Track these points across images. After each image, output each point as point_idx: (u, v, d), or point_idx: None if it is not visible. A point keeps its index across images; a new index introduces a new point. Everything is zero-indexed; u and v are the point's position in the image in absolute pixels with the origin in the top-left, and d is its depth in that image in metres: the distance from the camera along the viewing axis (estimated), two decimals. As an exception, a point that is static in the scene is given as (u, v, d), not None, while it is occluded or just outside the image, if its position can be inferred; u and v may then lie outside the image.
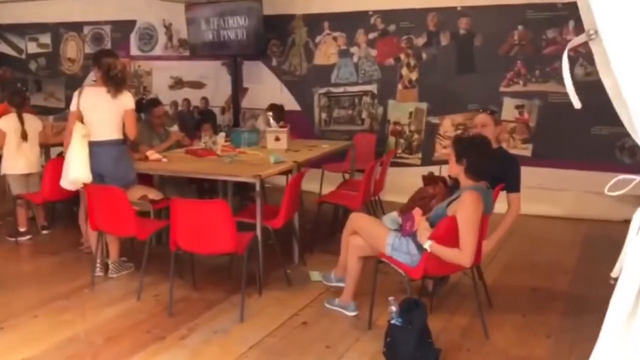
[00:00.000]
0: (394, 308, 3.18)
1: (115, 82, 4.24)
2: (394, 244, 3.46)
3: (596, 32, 1.67)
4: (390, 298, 3.24)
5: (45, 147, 5.80)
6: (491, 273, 4.47)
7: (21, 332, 3.62)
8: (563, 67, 1.73)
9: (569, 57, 1.82)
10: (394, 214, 3.80)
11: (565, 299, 4.17)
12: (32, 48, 9.35)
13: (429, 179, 4.05)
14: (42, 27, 9.18)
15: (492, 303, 3.99)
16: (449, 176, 4.25)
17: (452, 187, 4.01)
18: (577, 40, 1.81)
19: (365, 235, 3.63)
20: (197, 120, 7.52)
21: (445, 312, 3.89)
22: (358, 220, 3.75)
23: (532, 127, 6.34)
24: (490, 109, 4.45)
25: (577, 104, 1.82)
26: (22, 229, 5.49)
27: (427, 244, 3.21)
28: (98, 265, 4.52)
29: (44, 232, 5.54)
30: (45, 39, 9.19)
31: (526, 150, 6.35)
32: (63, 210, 5.94)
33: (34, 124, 5.43)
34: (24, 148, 5.28)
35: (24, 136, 5.27)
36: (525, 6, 6.15)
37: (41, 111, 6.93)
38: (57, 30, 9.09)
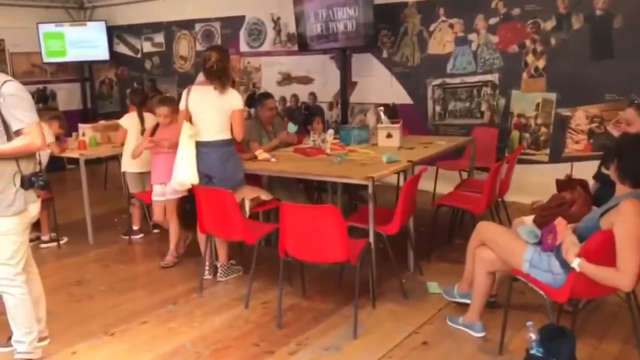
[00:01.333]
0: (533, 336, 2.72)
1: (215, 76, 4.06)
2: (532, 260, 2.99)
3: None
4: (529, 323, 2.78)
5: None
6: (638, 289, 3.83)
7: (130, 340, 3.54)
8: None
9: None
10: (531, 222, 3.31)
11: None
12: (147, 47, 9.59)
13: (565, 184, 3.50)
14: (156, 27, 9.39)
15: (646, 327, 3.40)
16: (595, 177, 3.71)
17: (597, 192, 3.47)
18: None
19: (497, 248, 3.17)
20: (304, 116, 7.32)
21: (591, 336, 3.34)
22: (488, 230, 3.30)
23: (685, 119, 5.49)
24: (638, 102, 3.78)
25: None
26: (135, 227, 5.55)
27: (576, 262, 2.71)
28: (207, 268, 4.40)
29: (155, 231, 5.53)
30: (159, 38, 9.40)
31: (676, 146, 5.50)
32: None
33: (152, 122, 5.44)
34: None
35: (143, 133, 5.29)
36: (678, -22, 5.34)
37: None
38: (170, 29, 9.24)
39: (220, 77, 4.06)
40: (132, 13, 9.50)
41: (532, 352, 2.70)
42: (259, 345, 3.40)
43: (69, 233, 5.51)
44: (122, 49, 9.88)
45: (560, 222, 2.95)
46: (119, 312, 3.91)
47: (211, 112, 4.08)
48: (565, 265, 2.84)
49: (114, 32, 9.79)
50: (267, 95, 5.64)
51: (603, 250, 2.71)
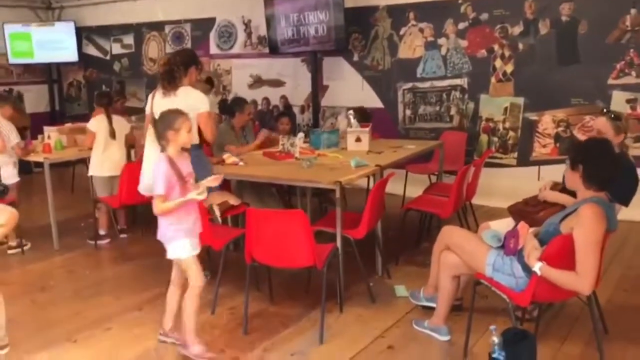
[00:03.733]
0: (495, 339, 2.74)
1: (161, 79, 4.05)
2: (495, 264, 3.01)
3: None
4: (492, 327, 2.80)
5: (130, 149, 5.75)
6: (603, 292, 3.89)
7: (93, 347, 3.48)
8: None
9: None
10: (496, 224, 3.34)
11: (697, 326, 3.56)
12: (116, 49, 9.47)
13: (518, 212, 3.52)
14: (125, 28, 9.28)
15: (607, 329, 3.46)
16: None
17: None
18: None
19: (461, 252, 3.20)
20: (276, 115, 7.32)
21: (553, 339, 3.39)
22: (452, 235, 3.32)
23: (647, 124, 5.63)
24: (613, 113, 3.71)
25: None
26: (102, 232, 5.45)
27: (537, 266, 2.74)
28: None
29: (122, 236, 5.47)
30: (129, 39, 9.28)
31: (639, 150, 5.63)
32: (144, 213, 5.85)
33: (121, 125, 5.38)
34: (110, 150, 5.23)
35: (112, 134, 5.21)
36: (638, -13, 5.45)
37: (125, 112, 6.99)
38: (140, 30, 9.14)
39: (165, 79, 4.01)
40: (101, 14, 9.37)
41: (495, 355, 2.71)
42: (224, 351, 3.37)
43: (33, 238, 5.40)
44: (90, 50, 9.74)
45: (522, 227, 2.98)
46: (83, 319, 3.84)
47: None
48: (527, 269, 2.87)
49: (82, 33, 9.65)
50: (245, 101, 5.65)
51: (563, 255, 2.74)
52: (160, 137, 3.13)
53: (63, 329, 3.71)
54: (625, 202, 3.39)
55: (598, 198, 2.78)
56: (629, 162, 3.47)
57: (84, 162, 6.21)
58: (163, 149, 3.13)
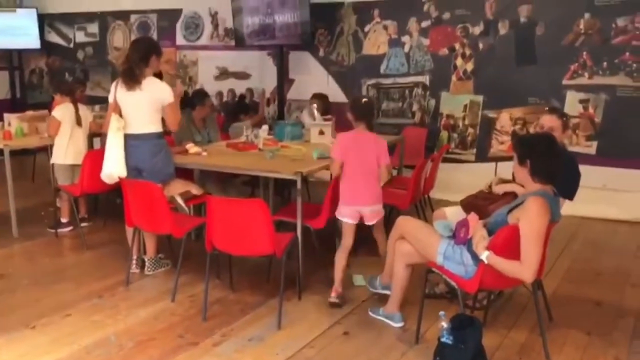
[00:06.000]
0: (444, 324, 2.87)
1: (121, 75, 4.07)
2: (446, 253, 3.14)
3: None
4: (441, 313, 2.93)
5: (92, 137, 5.72)
6: (550, 283, 4.10)
7: (51, 333, 3.48)
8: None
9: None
10: (451, 211, 3.47)
11: (635, 316, 3.75)
12: (80, 37, 9.31)
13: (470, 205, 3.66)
14: (90, 16, 9.13)
15: (552, 317, 3.64)
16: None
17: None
18: None
19: (414, 241, 3.32)
20: (237, 105, 7.33)
21: (501, 326, 3.56)
22: (406, 224, 3.44)
23: (598, 123, 5.86)
24: (561, 112, 3.90)
25: None
26: (64, 220, 5.42)
27: (484, 255, 2.88)
28: (134, 261, 4.37)
29: (83, 224, 5.44)
30: (93, 28, 9.15)
31: (590, 148, 5.88)
32: (105, 202, 5.85)
33: (85, 113, 5.36)
34: (75, 138, 5.19)
35: (79, 121, 5.18)
36: (592, -8, 5.67)
37: (88, 101, 6.92)
38: (105, 19, 9.02)
39: (126, 76, 4.03)
40: (64, 1, 9.22)
41: (443, 339, 2.86)
42: (183, 336, 3.43)
43: (-9, 226, 5.35)
44: (53, 37, 9.57)
45: (472, 218, 3.12)
46: (41, 306, 3.84)
47: (138, 105, 4.05)
48: (476, 257, 3.00)
49: (45, 20, 9.48)
50: (206, 94, 5.70)
51: (509, 244, 2.88)
52: (373, 119, 4.09)
53: (21, 315, 3.71)
54: (570, 196, 3.56)
55: (544, 191, 2.93)
56: (571, 157, 3.65)
57: (46, 150, 6.15)
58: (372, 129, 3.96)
